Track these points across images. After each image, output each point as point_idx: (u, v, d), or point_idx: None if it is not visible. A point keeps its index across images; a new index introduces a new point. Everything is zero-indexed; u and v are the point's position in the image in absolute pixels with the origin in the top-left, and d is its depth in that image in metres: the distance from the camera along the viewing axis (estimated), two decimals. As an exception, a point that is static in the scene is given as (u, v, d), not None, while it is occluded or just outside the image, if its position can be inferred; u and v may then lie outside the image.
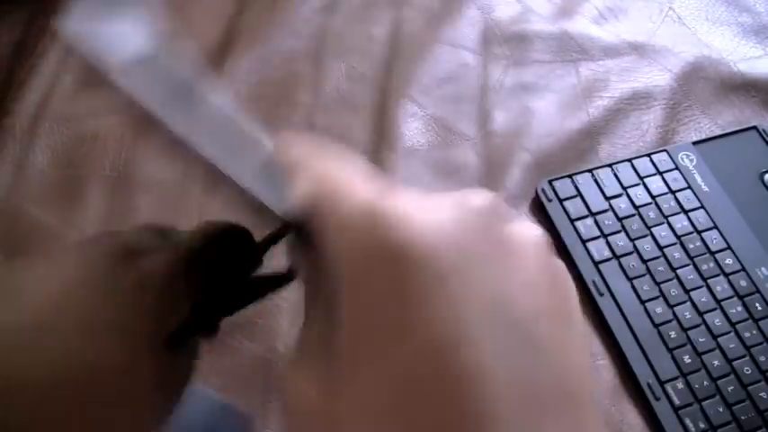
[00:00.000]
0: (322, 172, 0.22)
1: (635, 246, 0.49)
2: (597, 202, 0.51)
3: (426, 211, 0.19)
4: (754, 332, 0.46)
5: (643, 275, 0.48)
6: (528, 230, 0.21)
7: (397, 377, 0.18)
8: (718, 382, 0.44)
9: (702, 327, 0.46)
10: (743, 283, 0.48)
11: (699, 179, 0.53)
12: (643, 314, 0.47)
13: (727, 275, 0.49)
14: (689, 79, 0.60)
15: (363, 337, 0.19)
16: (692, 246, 0.50)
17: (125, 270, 0.25)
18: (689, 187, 0.53)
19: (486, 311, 0.18)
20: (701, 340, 0.46)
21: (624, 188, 0.52)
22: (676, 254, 0.49)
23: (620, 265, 0.48)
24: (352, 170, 0.22)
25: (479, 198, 0.20)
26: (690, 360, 0.45)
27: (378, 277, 0.19)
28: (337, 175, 0.21)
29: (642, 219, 0.51)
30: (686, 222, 0.51)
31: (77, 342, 0.24)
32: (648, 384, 0.44)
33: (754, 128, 0.57)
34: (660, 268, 0.48)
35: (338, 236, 0.20)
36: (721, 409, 0.43)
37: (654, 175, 0.53)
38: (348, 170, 0.22)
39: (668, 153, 0.54)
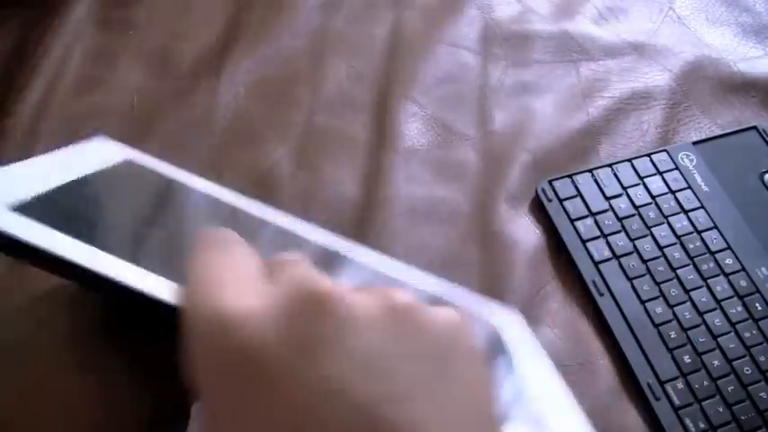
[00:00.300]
0: (195, 272, 0.24)
1: (635, 246, 0.49)
2: (597, 202, 0.51)
3: (251, 306, 0.21)
4: (754, 332, 0.46)
5: (643, 275, 0.48)
6: (361, 304, 0.22)
7: None
8: (718, 382, 0.44)
9: (702, 327, 0.46)
10: (743, 283, 0.48)
11: (699, 179, 0.53)
12: (643, 314, 0.47)
13: (727, 275, 0.49)
14: (689, 79, 0.60)
15: None
16: (692, 246, 0.50)
17: None
18: (689, 187, 0.53)
19: (324, 396, 0.19)
20: (700, 340, 0.46)
21: (624, 188, 0.52)
22: (676, 254, 0.49)
23: (620, 265, 0.48)
24: (228, 268, 0.23)
25: (307, 287, 0.21)
26: (690, 360, 0.45)
27: (224, 383, 0.20)
28: (204, 277, 0.23)
29: (642, 219, 0.51)
30: (686, 222, 0.51)
31: None
32: (648, 384, 0.44)
33: (754, 128, 0.57)
34: (660, 268, 0.48)
35: (190, 343, 0.21)
36: (721, 409, 0.43)
37: (654, 175, 0.53)
38: (221, 269, 0.23)
39: (668, 153, 0.54)
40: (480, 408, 0.22)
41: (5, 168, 0.29)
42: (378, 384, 0.20)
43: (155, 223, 0.31)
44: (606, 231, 0.50)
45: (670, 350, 0.45)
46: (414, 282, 0.38)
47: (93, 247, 0.26)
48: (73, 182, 0.31)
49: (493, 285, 0.47)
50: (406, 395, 0.20)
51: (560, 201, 0.51)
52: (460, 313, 0.23)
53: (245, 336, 0.20)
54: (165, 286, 0.27)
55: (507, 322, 0.38)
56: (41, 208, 0.28)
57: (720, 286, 0.48)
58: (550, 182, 0.52)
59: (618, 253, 0.49)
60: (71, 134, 0.49)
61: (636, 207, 0.51)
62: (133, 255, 0.28)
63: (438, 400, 0.20)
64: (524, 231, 0.50)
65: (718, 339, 0.46)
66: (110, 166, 0.35)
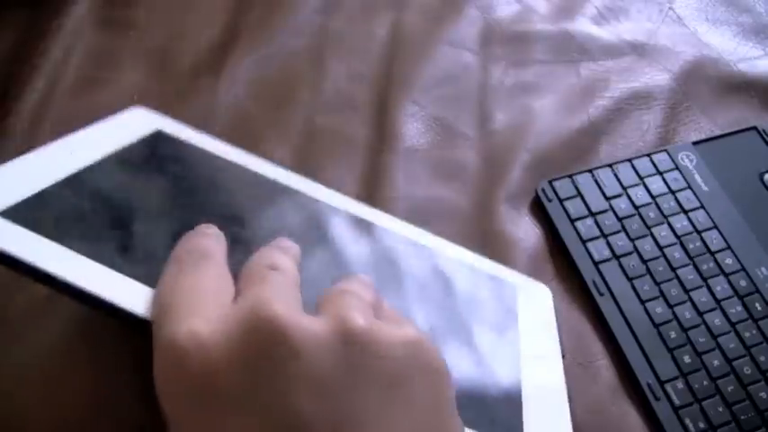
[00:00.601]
0: (162, 292, 0.24)
1: (635, 246, 0.49)
2: (597, 203, 0.51)
3: (217, 335, 0.21)
4: (754, 332, 0.46)
5: (643, 275, 0.48)
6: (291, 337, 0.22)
7: None
8: (718, 381, 0.44)
9: (702, 327, 0.46)
10: (743, 283, 0.48)
11: (699, 179, 0.53)
12: (643, 314, 0.47)
13: (726, 275, 0.49)
14: (689, 79, 0.60)
15: None
16: (691, 246, 0.50)
17: None
18: (689, 187, 0.53)
19: (277, 424, 0.20)
20: (700, 340, 0.46)
21: (624, 188, 0.52)
22: (676, 254, 0.49)
23: (620, 265, 0.48)
24: (195, 289, 0.23)
25: (264, 313, 0.21)
26: (690, 360, 0.45)
27: (182, 408, 0.21)
28: (169, 297, 0.23)
29: (642, 219, 0.51)
30: (686, 222, 0.51)
31: None
32: (648, 384, 0.44)
33: (754, 128, 0.57)
34: (660, 268, 0.48)
35: (155, 367, 0.22)
36: (721, 409, 0.43)
37: (654, 175, 0.53)
38: (188, 289, 0.23)
39: (668, 153, 0.54)
40: (437, 428, 0.22)
41: (3, 167, 0.27)
42: (329, 411, 0.20)
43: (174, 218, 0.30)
44: (606, 231, 0.50)
45: (670, 350, 0.45)
46: (439, 249, 0.39)
47: (87, 258, 0.25)
48: (78, 174, 0.29)
49: (493, 285, 0.47)
50: (356, 421, 0.20)
51: (560, 201, 0.51)
52: (419, 331, 0.23)
53: (199, 362, 0.20)
54: None
55: (530, 295, 0.38)
56: (39, 209, 0.26)
57: (720, 286, 0.48)
58: (550, 182, 0.52)
59: (618, 253, 0.49)
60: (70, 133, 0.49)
61: (636, 207, 0.51)
62: (144, 265, 0.26)
63: (391, 425, 0.21)
64: (524, 231, 0.50)
65: (718, 339, 0.46)
66: (133, 143, 0.33)
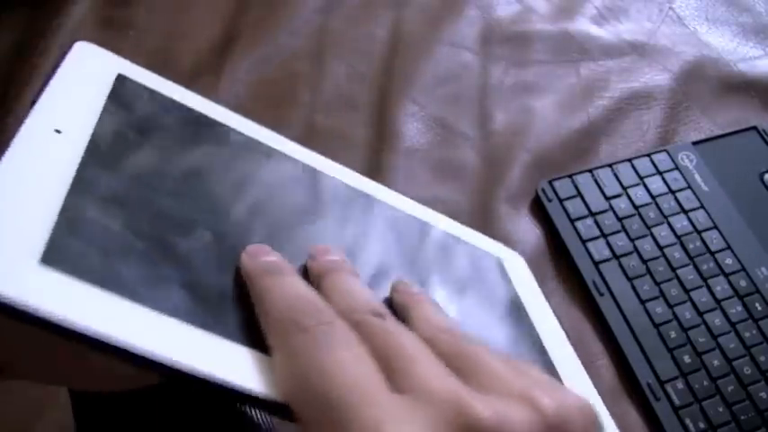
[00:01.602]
0: (307, 360, 0.19)
1: (635, 246, 0.49)
2: (597, 202, 0.51)
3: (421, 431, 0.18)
4: (754, 332, 0.46)
5: (643, 275, 0.48)
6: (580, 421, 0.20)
7: None
8: (718, 381, 0.44)
9: (702, 327, 0.46)
10: (743, 283, 0.48)
11: (699, 179, 0.53)
12: (643, 314, 0.47)
13: (726, 275, 0.49)
14: (689, 79, 0.60)
15: None
16: (691, 246, 0.50)
17: None
18: (689, 187, 0.53)
19: None
20: (700, 340, 0.46)
21: (624, 188, 0.52)
22: (676, 254, 0.49)
23: (620, 265, 0.48)
24: (345, 355, 0.20)
25: (463, 413, 0.19)
26: (690, 360, 0.45)
27: None
28: (330, 371, 0.19)
29: (642, 219, 0.51)
30: (686, 222, 0.51)
31: None
32: (648, 384, 0.44)
33: (754, 128, 0.57)
34: (660, 268, 0.48)
35: None
36: (721, 409, 0.43)
37: (654, 175, 0.53)
38: (341, 356, 0.19)
39: (668, 153, 0.54)
40: None
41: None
42: None
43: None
44: (606, 231, 0.50)
45: (670, 350, 0.45)
46: (427, 219, 0.36)
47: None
48: (85, 173, 0.21)
49: (493, 285, 0.47)
50: None
51: (560, 201, 0.51)
52: (595, 409, 0.21)
53: None
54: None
55: (513, 262, 0.37)
56: (75, 244, 0.18)
57: (720, 286, 0.48)
58: (550, 182, 0.52)
59: (618, 253, 0.49)
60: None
61: (636, 207, 0.51)
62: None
63: None
64: (524, 231, 0.50)
65: (718, 339, 0.46)
66: (107, 104, 0.24)
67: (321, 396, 0.19)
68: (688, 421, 0.43)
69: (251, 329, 0.21)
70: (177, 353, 0.18)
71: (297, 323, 0.20)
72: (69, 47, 0.24)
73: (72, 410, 0.28)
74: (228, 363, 0.19)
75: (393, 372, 0.20)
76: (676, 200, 0.52)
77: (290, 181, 0.29)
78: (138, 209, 0.22)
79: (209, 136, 0.28)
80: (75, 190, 0.20)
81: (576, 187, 0.52)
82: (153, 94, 0.28)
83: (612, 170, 0.53)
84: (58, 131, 0.21)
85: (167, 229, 0.22)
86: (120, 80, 0.26)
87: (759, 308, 0.47)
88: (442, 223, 0.35)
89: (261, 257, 0.23)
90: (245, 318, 0.21)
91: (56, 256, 0.17)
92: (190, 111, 0.29)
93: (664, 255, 0.49)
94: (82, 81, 0.24)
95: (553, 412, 0.20)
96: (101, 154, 0.22)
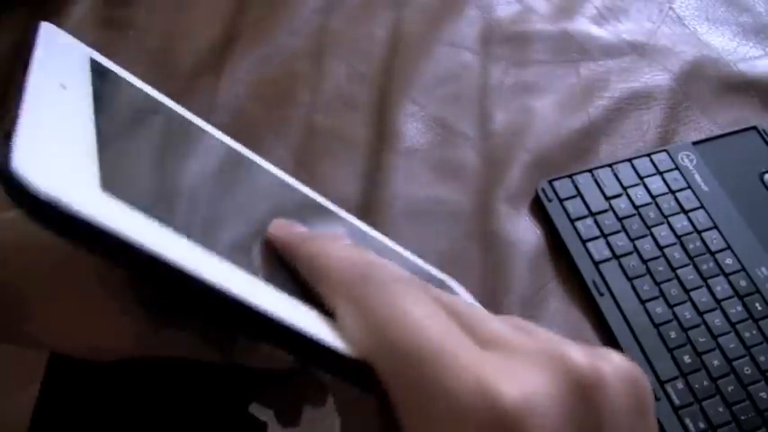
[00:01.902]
0: (391, 314, 0.18)
1: (635, 246, 0.49)
2: (597, 202, 0.51)
3: (535, 396, 0.17)
4: (754, 332, 0.46)
5: (643, 275, 0.48)
6: (622, 381, 0.19)
7: None
8: (718, 382, 0.44)
9: (702, 327, 0.46)
10: (743, 283, 0.48)
11: (699, 179, 0.53)
12: (643, 314, 0.47)
13: (727, 275, 0.49)
14: (689, 79, 0.60)
15: None
16: (691, 246, 0.50)
17: None
18: (689, 187, 0.53)
19: None
20: (700, 340, 0.46)
21: (624, 188, 0.52)
22: (676, 254, 0.49)
23: (620, 265, 0.48)
24: (428, 318, 0.18)
25: (577, 362, 0.19)
26: (690, 360, 0.45)
27: None
28: (419, 325, 0.18)
29: (642, 219, 0.51)
30: (686, 222, 0.51)
31: None
32: (648, 384, 0.44)
33: (754, 128, 0.57)
34: (660, 268, 0.48)
35: (437, 423, 0.17)
36: (721, 409, 0.43)
37: (654, 175, 0.53)
38: (422, 315, 0.18)
39: (668, 153, 0.54)
40: None
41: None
42: None
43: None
44: (606, 231, 0.50)
45: (670, 350, 0.45)
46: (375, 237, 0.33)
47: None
48: (100, 121, 0.21)
49: (493, 285, 0.47)
50: None
51: (560, 201, 0.51)
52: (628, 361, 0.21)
53: (533, 426, 0.17)
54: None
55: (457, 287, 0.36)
56: (123, 174, 0.19)
57: (720, 286, 0.48)
58: (550, 182, 0.52)
59: (618, 253, 0.49)
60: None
61: (636, 207, 0.51)
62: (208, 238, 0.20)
63: None
64: (524, 231, 0.50)
65: (718, 339, 0.46)
66: (91, 90, 0.23)
67: (407, 348, 0.18)
68: (688, 421, 0.43)
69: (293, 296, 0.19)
70: (251, 296, 0.17)
71: (368, 278, 0.19)
72: (36, 26, 0.23)
73: (39, 392, 0.28)
74: (295, 314, 0.18)
75: (469, 330, 0.19)
76: (676, 200, 0.52)
77: (215, 159, 0.29)
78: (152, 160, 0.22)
79: (163, 117, 0.29)
80: (99, 132, 0.20)
81: (576, 187, 0.52)
82: (116, 74, 0.28)
83: (612, 170, 0.53)
84: (63, 87, 0.21)
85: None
86: (94, 64, 0.27)
87: (759, 308, 0.47)
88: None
89: (290, 229, 0.23)
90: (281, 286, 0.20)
91: (111, 183, 0.18)
92: (139, 90, 0.30)
93: (664, 255, 0.49)
94: (63, 53, 0.24)
95: (596, 363, 0.19)
96: (105, 106, 0.22)
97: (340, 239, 0.22)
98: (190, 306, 0.18)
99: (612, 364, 0.19)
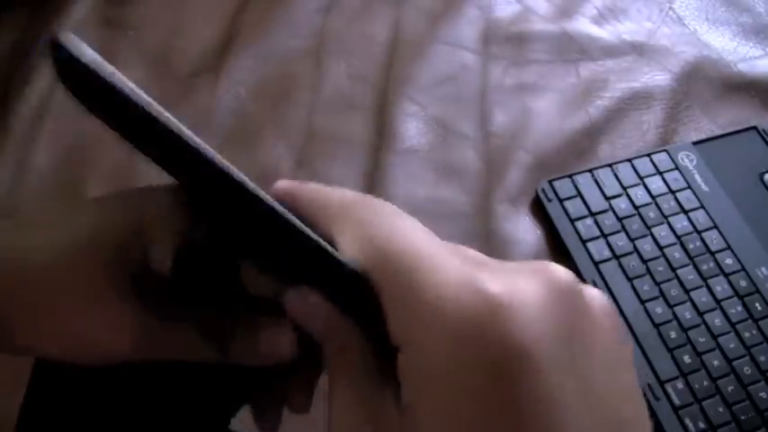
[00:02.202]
0: (387, 231, 0.20)
1: (635, 246, 0.49)
2: (597, 203, 0.51)
3: (519, 292, 0.18)
4: (754, 332, 0.46)
5: (643, 275, 0.48)
6: (598, 302, 0.20)
7: None
8: (718, 382, 0.44)
9: (702, 327, 0.46)
10: (743, 283, 0.48)
11: (699, 179, 0.53)
12: (643, 314, 0.47)
13: (726, 275, 0.49)
14: (689, 79, 0.60)
15: (446, 428, 0.18)
16: (691, 246, 0.50)
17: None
18: (689, 187, 0.53)
19: (580, 401, 0.18)
20: (700, 340, 0.46)
21: (624, 188, 0.52)
22: (676, 254, 0.49)
23: (620, 265, 0.48)
24: (422, 233, 0.20)
25: (559, 272, 0.20)
26: (690, 360, 0.45)
27: (473, 367, 0.18)
28: (412, 238, 0.20)
29: (642, 219, 0.51)
30: (686, 222, 0.51)
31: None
32: (648, 384, 0.44)
33: (754, 128, 0.57)
34: (660, 268, 0.48)
35: (427, 313, 0.18)
36: (721, 409, 0.43)
37: (654, 175, 0.53)
38: (416, 231, 0.20)
39: (668, 153, 0.54)
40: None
41: None
42: (615, 380, 0.20)
43: None
44: (606, 231, 0.50)
45: (670, 350, 0.45)
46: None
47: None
48: None
49: (493, 285, 0.47)
50: (632, 393, 0.20)
51: (560, 201, 0.51)
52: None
53: (519, 326, 0.18)
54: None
55: None
56: None
57: (720, 286, 0.48)
58: (550, 182, 0.52)
59: (618, 253, 0.49)
60: (71, 134, 0.49)
61: (636, 207, 0.51)
62: None
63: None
64: (524, 231, 0.50)
65: (718, 339, 0.46)
66: None
67: (402, 255, 0.19)
68: (688, 421, 0.43)
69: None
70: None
71: (365, 203, 0.21)
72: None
73: (24, 398, 0.28)
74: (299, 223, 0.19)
75: (458, 252, 0.21)
76: (676, 200, 0.52)
77: None
78: None
79: None
80: None
81: (576, 187, 0.52)
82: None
83: (612, 170, 0.53)
84: None
85: None
86: None
87: (759, 308, 0.47)
88: None
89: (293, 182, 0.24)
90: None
91: None
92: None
93: (664, 255, 0.49)
94: None
95: (575, 281, 0.21)
96: None
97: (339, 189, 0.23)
98: (202, 196, 0.19)
99: (594, 291, 0.21)
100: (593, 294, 0.21)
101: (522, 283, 0.19)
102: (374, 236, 0.20)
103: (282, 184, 0.23)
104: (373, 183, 0.50)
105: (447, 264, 0.19)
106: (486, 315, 0.18)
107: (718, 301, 0.47)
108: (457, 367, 0.18)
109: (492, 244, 0.49)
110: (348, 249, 0.20)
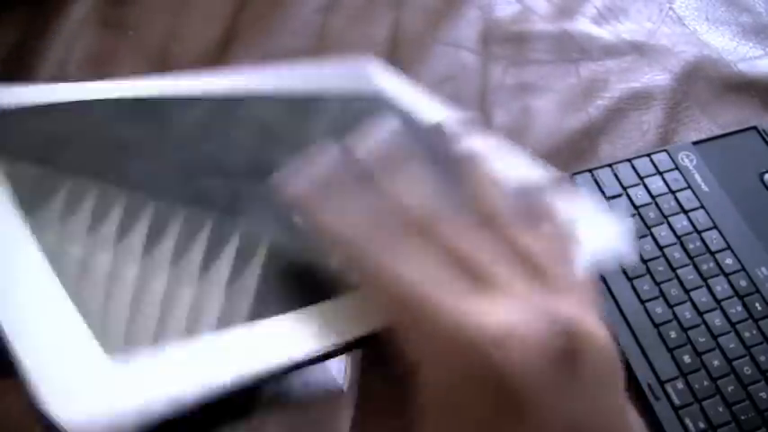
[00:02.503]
0: (394, 274, 0.21)
1: (635, 246, 0.49)
2: (597, 203, 0.51)
3: (512, 326, 0.20)
4: (754, 332, 0.46)
5: (643, 275, 0.48)
6: (597, 341, 0.21)
7: None
8: (718, 381, 0.44)
9: (702, 327, 0.46)
10: (743, 283, 0.48)
11: (699, 179, 0.53)
12: (643, 314, 0.47)
13: (727, 275, 0.49)
14: (689, 79, 0.60)
15: None
16: (691, 246, 0.50)
17: None
18: (689, 187, 0.53)
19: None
20: (700, 340, 0.46)
21: (624, 188, 0.52)
22: (676, 254, 0.49)
23: (620, 265, 0.48)
24: (417, 267, 0.21)
25: (564, 312, 0.21)
26: (690, 360, 0.45)
27: (472, 398, 0.19)
28: (414, 278, 0.21)
29: (642, 219, 0.51)
30: (686, 222, 0.51)
31: None
32: (648, 384, 0.44)
33: (754, 128, 0.57)
34: (660, 268, 0.48)
35: (428, 351, 0.20)
36: (721, 409, 0.43)
37: (654, 175, 0.53)
38: (414, 269, 0.21)
39: (668, 153, 0.54)
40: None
41: None
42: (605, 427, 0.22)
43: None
44: (606, 231, 0.50)
45: (670, 350, 0.45)
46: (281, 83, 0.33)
47: None
48: None
49: (493, 285, 0.47)
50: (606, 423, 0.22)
51: (560, 201, 0.51)
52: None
53: (505, 357, 0.19)
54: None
55: (373, 72, 0.35)
56: None
57: (720, 286, 0.48)
58: (550, 182, 0.52)
59: (618, 253, 0.49)
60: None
61: (636, 207, 0.51)
62: None
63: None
64: (524, 231, 0.50)
65: (718, 339, 0.46)
66: None
67: (405, 303, 0.21)
68: (688, 421, 0.43)
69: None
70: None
71: (366, 252, 0.23)
72: None
73: None
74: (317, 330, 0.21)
75: (468, 271, 0.22)
76: (676, 200, 0.52)
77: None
78: None
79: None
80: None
81: (576, 187, 0.52)
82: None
83: (612, 170, 0.53)
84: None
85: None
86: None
87: (759, 308, 0.47)
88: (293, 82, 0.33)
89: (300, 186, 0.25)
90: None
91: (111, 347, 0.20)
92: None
93: (664, 255, 0.49)
94: None
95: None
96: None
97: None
98: None
99: (593, 328, 0.21)
100: (592, 332, 0.21)
101: (518, 320, 0.20)
102: (380, 289, 0.23)
103: (289, 190, 0.25)
104: (373, 183, 0.50)
105: (444, 308, 0.21)
106: (484, 353, 0.19)
107: (718, 301, 0.47)
108: (455, 400, 0.20)
109: (492, 244, 0.49)
110: (366, 298, 0.23)
